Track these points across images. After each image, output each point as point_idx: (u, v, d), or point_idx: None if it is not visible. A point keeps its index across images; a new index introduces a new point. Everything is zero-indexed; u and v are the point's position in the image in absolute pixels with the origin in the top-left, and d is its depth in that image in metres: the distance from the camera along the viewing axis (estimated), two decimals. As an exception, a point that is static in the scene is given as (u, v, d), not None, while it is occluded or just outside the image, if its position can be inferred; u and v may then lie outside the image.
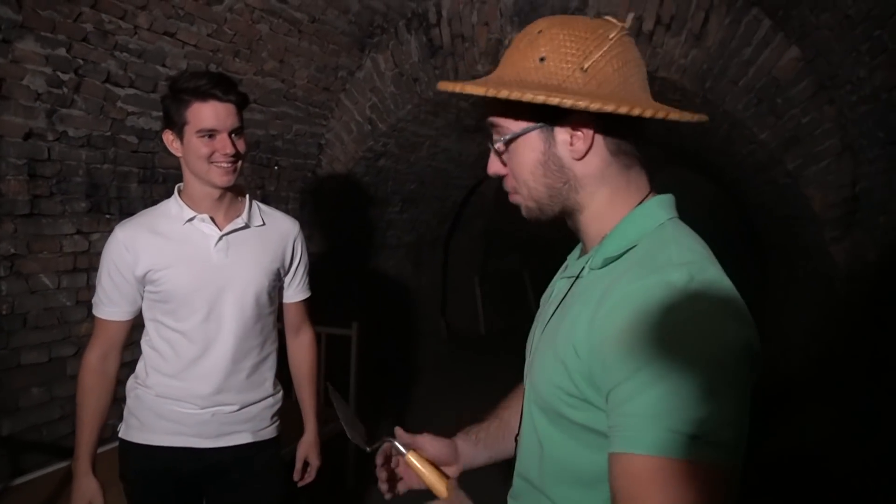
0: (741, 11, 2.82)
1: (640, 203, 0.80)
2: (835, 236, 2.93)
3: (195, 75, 1.41)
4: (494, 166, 0.85)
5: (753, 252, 5.59)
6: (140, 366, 1.53)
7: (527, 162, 0.80)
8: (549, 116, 0.76)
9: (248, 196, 1.59)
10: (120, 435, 1.54)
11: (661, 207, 0.80)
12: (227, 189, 1.48)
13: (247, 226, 1.53)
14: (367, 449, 1.05)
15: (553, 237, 8.23)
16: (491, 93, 0.74)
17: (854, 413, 2.75)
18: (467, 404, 4.69)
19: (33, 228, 2.33)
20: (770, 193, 3.68)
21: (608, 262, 0.77)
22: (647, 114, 0.71)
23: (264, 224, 1.58)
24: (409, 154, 4.37)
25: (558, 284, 0.90)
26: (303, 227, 1.74)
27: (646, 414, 0.64)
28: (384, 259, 5.01)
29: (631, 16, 0.83)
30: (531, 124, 0.78)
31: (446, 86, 0.79)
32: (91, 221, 2.54)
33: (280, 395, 1.67)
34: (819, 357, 3.36)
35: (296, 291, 1.71)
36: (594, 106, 0.70)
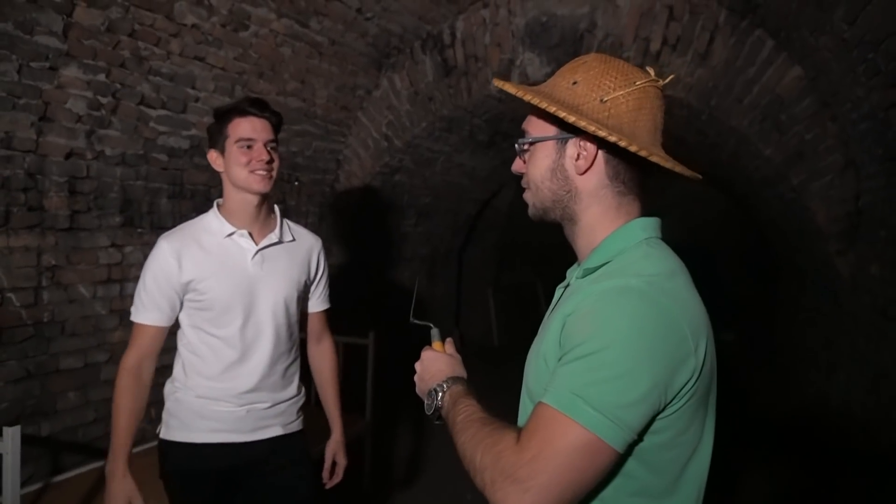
0: (745, 33, 2.92)
1: (625, 224, 0.91)
2: (839, 249, 3.00)
3: (236, 100, 1.62)
4: (516, 164, 0.99)
5: (765, 265, 5.63)
6: (178, 369, 1.65)
7: (540, 165, 0.94)
8: (566, 131, 0.90)
9: (278, 212, 1.72)
10: (161, 436, 1.66)
11: (642, 228, 0.90)
12: (261, 203, 1.62)
13: (279, 241, 1.67)
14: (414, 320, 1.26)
15: (565, 251, 8.30)
16: (519, 94, 0.89)
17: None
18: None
19: (72, 241, 2.48)
20: (777, 207, 3.75)
21: (588, 272, 0.89)
22: (632, 149, 0.83)
23: (294, 240, 1.73)
24: (423, 169, 4.51)
25: (556, 293, 1.02)
26: (322, 240, 1.87)
27: (564, 377, 0.77)
28: (400, 271, 5.13)
29: (671, 78, 0.95)
30: (550, 134, 0.92)
31: (498, 82, 0.94)
32: (124, 235, 2.70)
33: (303, 393, 1.81)
34: (828, 369, 3.41)
35: (318, 302, 1.85)
36: (591, 127, 0.83)
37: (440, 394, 1.03)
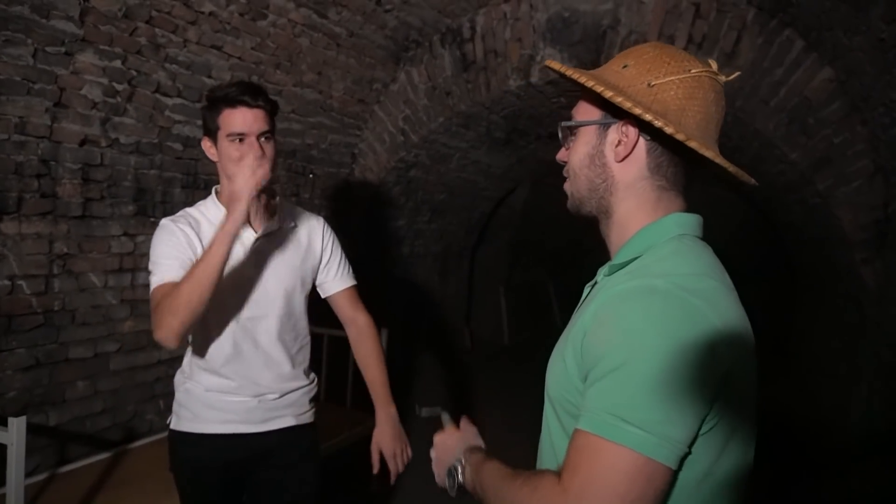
0: (774, 32, 2.84)
1: (660, 219, 0.84)
2: (865, 258, 2.91)
3: (227, 85, 1.52)
4: (560, 153, 0.94)
5: (784, 272, 5.53)
6: (186, 361, 1.62)
7: (580, 151, 0.89)
8: (610, 116, 0.85)
9: (279, 198, 1.67)
10: (171, 426, 1.63)
11: (677, 224, 0.83)
12: (259, 192, 1.54)
13: (280, 228, 1.62)
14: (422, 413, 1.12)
15: (578, 251, 8.21)
16: (562, 69, 0.85)
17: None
18: (489, 412, 4.73)
19: (84, 229, 2.46)
20: (799, 213, 3.67)
21: (614, 269, 0.83)
22: (669, 130, 0.76)
23: (295, 225, 1.68)
24: (439, 165, 4.46)
25: (584, 292, 0.96)
26: (335, 233, 1.82)
27: (596, 397, 0.71)
28: (412, 268, 5.09)
29: (736, 75, 0.89)
30: (593, 118, 0.87)
31: (549, 62, 0.90)
32: (137, 224, 2.67)
33: (315, 383, 1.76)
34: (849, 379, 3.32)
35: (338, 281, 1.75)
36: (627, 104, 0.77)
37: (459, 468, 0.96)
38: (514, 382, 5.64)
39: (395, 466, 1.68)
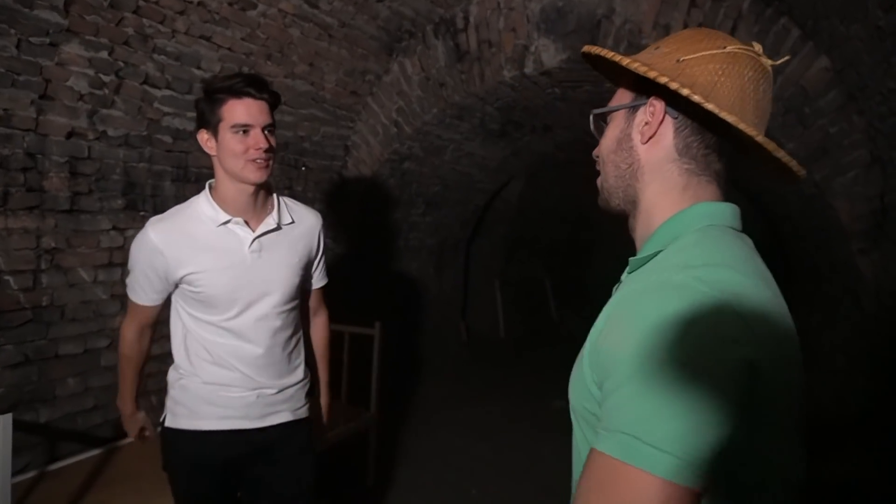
0: (770, 21, 2.82)
1: (688, 207, 0.77)
2: (862, 248, 2.90)
3: (229, 76, 1.47)
4: (595, 150, 0.90)
5: (780, 264, 5.53)
6: (180, 356, 1.58)
7: (609, 137, 0.85)
8: (638, 98, 0.81)
9: (275, 195, 1.63)
10: (166, 424, 1.59)
11: (707, 214, 0.76)
12: (257, 191, 1.52)
13: (278, 226, 1.58)
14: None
15: (575, 247, 8.18)
16: (587, 48, 0.82)
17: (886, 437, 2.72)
18: (485, 406, 4.72)
19: (73, 224, 2.42)
20: (796, 204, 3.65)
21: (636, 266, 0.78)
22: (707, 105, 0.69)
23: (293, 222, 1.64)
24: (433, 157, 4.42)
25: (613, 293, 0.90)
26: (328, 227, 1.80)
27: (610, 414, 0.64)
28: (407, 261, 5.06)
29: (785, 60, 0.84)
30: (623, 103, 0.83)
31: (589, 48, 0.84)
32: (126, 218, 2.63)
33: (309, 377, 1.76)
34: (846, 372, 3.32)
35: (317, 279, 1.80)
36: (643, 69, 0.73)
37: None
38: (510, 376, 5.63)
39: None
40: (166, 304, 1.61)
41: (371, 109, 3.91)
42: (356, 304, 3.54)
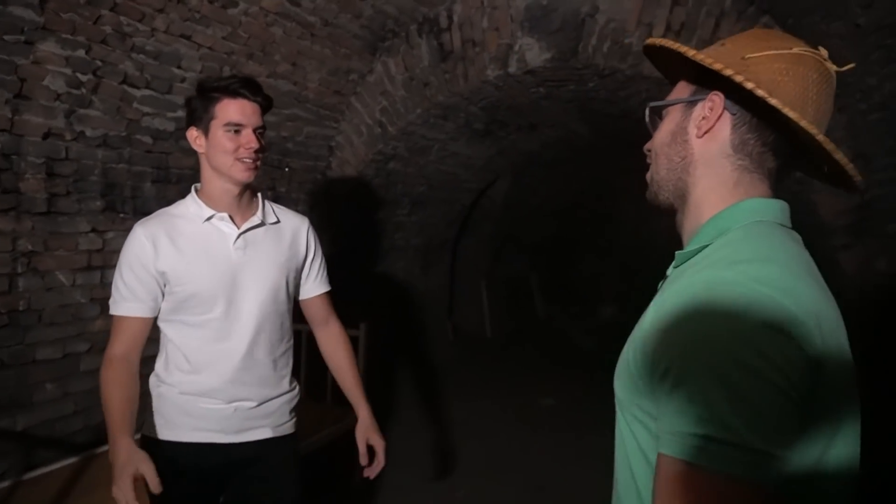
0: (752, 18, 2.83)
1: (737, 202, 0.78)
2: (844, 244, 2.93)
3: (225, 77, 1.50)
4: (647, 144, 0.90)
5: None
6: (160, 363, 1.56)
7: (664, 130, 0.85)
8: (698, 92, 0.81)
9: (259, 195, 1.63)
10: (143, 432, 1.56)
11: (755, 209, 0.76)
12: (243, 190, 1.53)
13: (262, 223, 1.57)
14: None
15: (561, 245, 8.20)
16: (651, 40, 0.83)
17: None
18: (472, 404, 4.71)
19: (50, 226, 2.37)
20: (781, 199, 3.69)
21: (683, 259, 0.78)
22: (771, 100, 0.69)
23: (278, 221, 1.63)
24: (418, 157, 4.40)
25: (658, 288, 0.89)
26: (317, 235, 1.78)
27: (671, 415, 0.63)
28: (392, 261, 5.04)
29: (850, 67, 0.83)
30: (682, 97, 0.83)
31: (654, 40, 0.84)
32: (106, 220, 2.58)
33: (296, 390, 1.70)
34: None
35: (315, 285, 1.75)
36: (708, 60, 0.73)
37: None
38: (498, 374, 5.63)
39: (383, 457, 1.70)
40: (154, 328, 1.55)
41: (355, 109, 3.88)
42: (341, 305, 3.50)
